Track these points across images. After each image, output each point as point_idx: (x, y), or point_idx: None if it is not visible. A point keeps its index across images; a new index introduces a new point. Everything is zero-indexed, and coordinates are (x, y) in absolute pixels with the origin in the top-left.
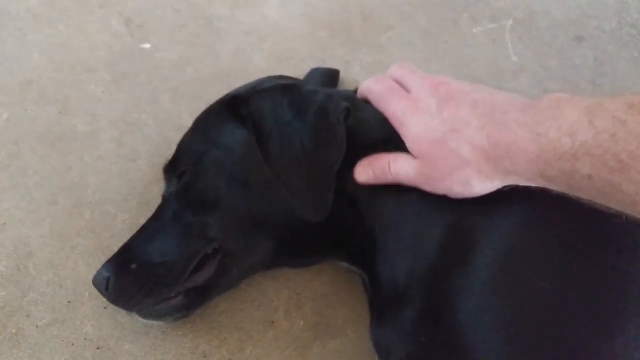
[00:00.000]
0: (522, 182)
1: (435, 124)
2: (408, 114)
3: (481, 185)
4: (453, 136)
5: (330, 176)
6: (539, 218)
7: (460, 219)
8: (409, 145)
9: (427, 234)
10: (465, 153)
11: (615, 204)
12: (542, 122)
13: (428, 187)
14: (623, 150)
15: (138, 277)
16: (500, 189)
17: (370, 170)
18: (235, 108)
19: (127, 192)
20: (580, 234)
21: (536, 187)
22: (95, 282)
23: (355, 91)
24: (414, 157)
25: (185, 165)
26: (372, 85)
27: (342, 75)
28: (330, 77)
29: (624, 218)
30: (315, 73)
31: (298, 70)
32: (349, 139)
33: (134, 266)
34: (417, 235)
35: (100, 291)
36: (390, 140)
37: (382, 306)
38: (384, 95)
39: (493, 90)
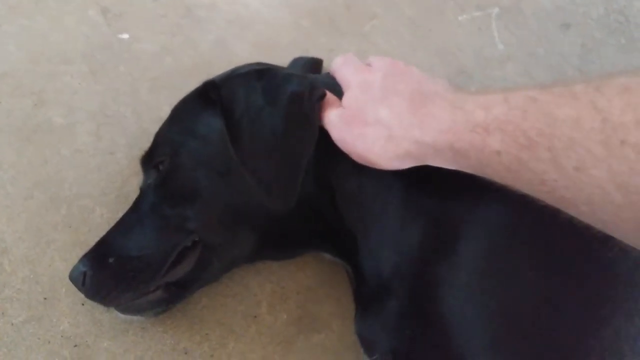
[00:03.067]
0: (430, 156)
1: (372, 88)
2: (355, 77)
3: (384, 150)
4: (380, 100)
5: (299, 165)
6: (524, 208)
7: (444, 210)
8: (343, 100)
9: (410, 226)
10: (382, 114)
11: (523, 184)
12: (463, 99)
13: (339, 136)
14: (532, 127)
15: (115, 271)
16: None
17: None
18: (208, 95)
19: (104, 186)
20: (567, 224)
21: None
22: (72, 277)
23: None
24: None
25: (162, 156)
26: (337, 59)
27: (325, 63)
28: (313, 66)
29: None
30: (297, 62)
31: (280, 59)
32: None
33: (111, 260)
34: (400, 228)
35: (77, 286)
36: None
37: (366, 299)
38: (344, 64)
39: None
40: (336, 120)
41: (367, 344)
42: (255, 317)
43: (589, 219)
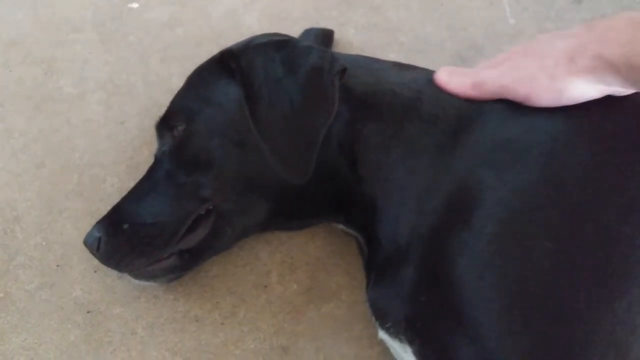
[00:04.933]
0: (608, 74)
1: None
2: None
3: (565, 71)
4: (549, 37)
5: (316, 138)
6: (547, 177)
7: (472, 173)
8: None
9: (434, 189)
10: (557, 45)
11: None
12: None
13: (513, 86)
14: None
15: (130, 237)
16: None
17: (461, 78)
18: (226, 63)
19: (115, 155)
20: (587, 197)
21: (556, 143)
22: (87, 242)
23: None
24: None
25: (178, 122)
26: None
27: (336, 36)
28: (325, 37)
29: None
30: (309, 34)
31: (291, 31)
32: (364, 96)
33: (125, 226)
34: (424, 193)
35: (91, 251)
36: (416, 100)
37: (380, 267)
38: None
39: None
40: (506, 79)
41: (380, 313)
42: (266, 286)
43: None
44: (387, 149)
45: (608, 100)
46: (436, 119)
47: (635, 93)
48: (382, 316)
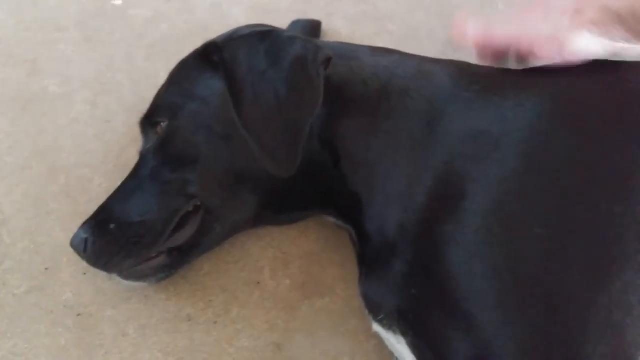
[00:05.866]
0: (614, 26)
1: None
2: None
3: (571, 24)
4: None
5: (302, 130)
6: (529, 163)
7: (450, 166)
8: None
9: (416, 186)
10: None
11: None
12: None
13: (517, 38)
14: None
15: (117, 237)
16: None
17: (476, 27)
18: (209, 56)
19: (103, 155)
20: (573, 179)
21: (534, 128)
22: (73, 244)
23: None
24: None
25: (161, 118)
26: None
27: (324, 27)
28: (312, 29)
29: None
30: (296, 25)
31: (278, 23)
32: (341, 85)
33: (112, 226)
34: (406, 188)
35: (78, 253)
36: (386, 91)
37: (371, 260)
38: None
39: None
40: (517, 20)
41: (372, 306)
42: (258, 283)
43: None
44: (366, 145)
45: (580, 78)
46: (407, 111)
47: (617, 69)
48: (374, 309)
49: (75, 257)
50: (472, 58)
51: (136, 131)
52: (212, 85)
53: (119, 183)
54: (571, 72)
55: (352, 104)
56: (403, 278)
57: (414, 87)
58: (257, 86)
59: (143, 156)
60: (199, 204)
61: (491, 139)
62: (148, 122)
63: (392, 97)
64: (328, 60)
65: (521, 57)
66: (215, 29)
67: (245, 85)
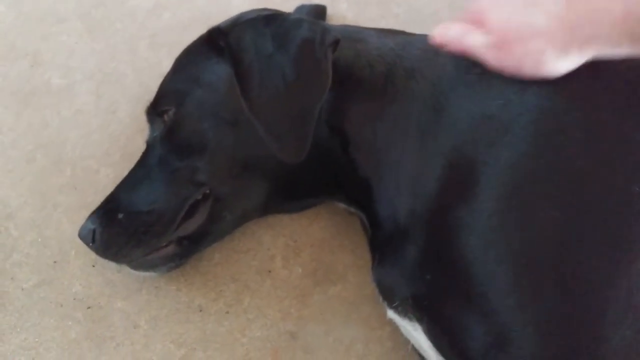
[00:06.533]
0: (605, 49)
1: (514, 2)
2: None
3: (555, 60)
4: (529, 8)
5: (312, 114)
6: (542, 146)
7: (460, 151)
8: (487, 25)
9: (427, 172)
10: (539, 22)
11: None
12: None
13: (496, 62)
14: None
15: (125, 226)
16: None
17: (448, 30)
18: (214, 42)
19: (108, 146)
20: (588, 160)
21: (543, 110)
22: (81, 235)
23: None
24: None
25: (167, 106)
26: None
27: (329, 11)
28: (317, 13)
29: None
30: (301, 10)
31: (282, 9)
32: (346, 69)
33: (120, 216)
34: (417, 174)
35: (86, 244)
36: (392, 74)
37: (383, 246)
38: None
39: None
40: (491, 52)
41: (386, 292)
42: (270, 271)
43: None
44: (373, 130)
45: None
46: (412, 95)
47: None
48: (388, 295)
49: (84, 250)
50: None
51: (141, 121)
52: (218, 71)
53: (125, 173)
54: None
55: (359, 87)
56: (417, 264)
57: (419, 69)
58: (264, 70)
59: (150, 145)
60: (208, 191)
61: (499, 122)
62: (154, 110)
63: (398, 80)
64: (336, 43)
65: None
66: (218, 18)
67: (252, 69)
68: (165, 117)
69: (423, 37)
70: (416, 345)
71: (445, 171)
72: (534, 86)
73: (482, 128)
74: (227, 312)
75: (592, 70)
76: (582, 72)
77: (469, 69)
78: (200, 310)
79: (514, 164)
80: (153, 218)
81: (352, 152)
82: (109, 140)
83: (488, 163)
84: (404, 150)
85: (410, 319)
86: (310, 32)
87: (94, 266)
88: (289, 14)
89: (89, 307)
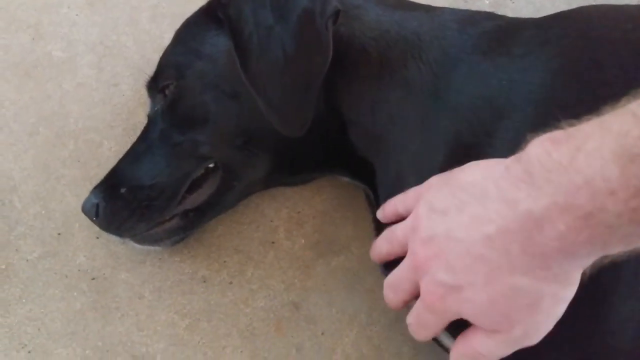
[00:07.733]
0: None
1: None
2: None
3: (536, 288)
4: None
5: (313, 87)
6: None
7: (464, 136)
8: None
9: (428, 155)
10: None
11: None
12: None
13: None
14: None
15: (128, 201)
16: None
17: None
18: (214, 13)
19: (111, 119)
20: None
21: (540, 91)
22: (84, 209)
23: None
24: None
25: (168, 79)
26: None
27: None
28: None
29: None
30: None
31: None
32: (341, 46)
33: (123, 190)
34: (418, 158)
35: (90, 218)
36: (389, 47)
37: None
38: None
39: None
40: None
41: (387, 264)
42: (273, 243)
43: None
44: (373, 110)
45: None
46: (412, 79)
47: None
48: (389, 268)
49: (88, 222)
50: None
51: (144, 94)
52: (218, 43)
53: (128, 146)
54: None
55: (354, 68)
56: None
57: (419, 50)
58: (263, 42)
59: (151, 119)
60: (212, 165)
61: (502, 105)
62: (155, 84)
63: (395, 63)
64: (337, 13)
65: None
66: None
67: (252, 41)
68: (166, 90)
69: (423, 10)
70: None
71: (448, 157)
72: (539, 62)
73: (484, 112)
74: (231, 283)
75: (597, 49)
76: (587, 51)
77: (473, 47)
78: (204, 281)
79: (518, 144)
80: (155, 192)
81: (351, 133)
82: (111, 113)
83: (496, 147)
84: (403, 135)
85: None
86: (311, 3)
87: (98, 238)
88: None
89: (93, 279)
